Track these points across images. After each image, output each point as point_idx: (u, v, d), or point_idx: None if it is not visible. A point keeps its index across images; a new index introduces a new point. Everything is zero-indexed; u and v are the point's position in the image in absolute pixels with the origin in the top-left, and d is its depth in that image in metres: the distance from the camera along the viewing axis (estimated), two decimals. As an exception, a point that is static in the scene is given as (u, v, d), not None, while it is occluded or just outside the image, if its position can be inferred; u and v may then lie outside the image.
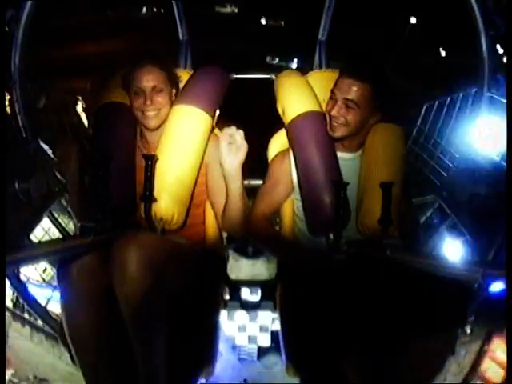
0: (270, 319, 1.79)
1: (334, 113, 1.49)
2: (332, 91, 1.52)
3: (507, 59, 1.68)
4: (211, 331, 1.49)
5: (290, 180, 1.61)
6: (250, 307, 2.00)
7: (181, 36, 2.51)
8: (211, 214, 1.65)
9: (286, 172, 1.62)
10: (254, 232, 1.66)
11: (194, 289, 1.37)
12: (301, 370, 1.36)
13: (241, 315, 1.81)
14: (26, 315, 1.78)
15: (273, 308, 1.96)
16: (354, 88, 1.46)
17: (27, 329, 1.75)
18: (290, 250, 1.58)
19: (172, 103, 1.52)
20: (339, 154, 1.56)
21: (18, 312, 1.77)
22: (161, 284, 1.18)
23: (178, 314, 1.28)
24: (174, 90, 1.54)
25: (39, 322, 1.77)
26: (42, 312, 1.90)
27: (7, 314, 1.70)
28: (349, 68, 1.51)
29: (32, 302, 1.90)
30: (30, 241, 1.90)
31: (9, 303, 1.77)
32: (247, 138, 1.38)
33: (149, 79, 1.46)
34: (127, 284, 1.14)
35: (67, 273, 1.23)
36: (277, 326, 1.70)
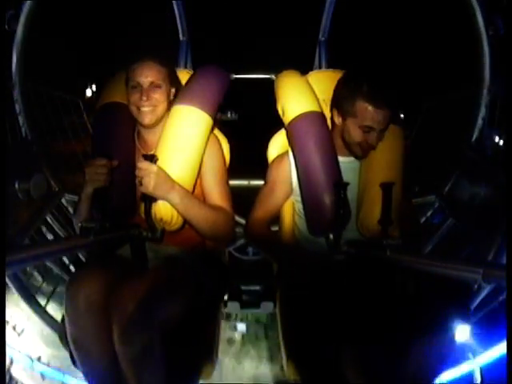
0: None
1: (375, 143, 1.47)
2: (366, 125, 1.43)
3: (507, 59, 1.68)
4: (211, 332, 1.49)
5: (289, 183, 1.61)
6: (250, 307, 2.00)
7: (181, 36, 2.52)
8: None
9: (284, 175, 1.62)
10: (252, 237, 1.66)
11: (194, 302, 1.36)
12: (301, 369, 1.36)
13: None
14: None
15: (273, 308, 1.96)
16: (384, 117, 1.42)
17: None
18: (288, 255, 1.57)
19: (170, 102, 1.51)
20: (340, 159, 1.56)
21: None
22: (159, 328, 1.19)
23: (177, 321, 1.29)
24: (173, 89, 1.52)
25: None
26: (42, 313, 1.91)
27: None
28: (379, 96, 1.41)
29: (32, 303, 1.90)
30: (30, 241, 1.90)
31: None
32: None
33: (147, 75, 1.45)
34: (124, 328, 1.15)
35: (75, 308, 1.22)
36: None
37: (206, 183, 1.54)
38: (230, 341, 2.07)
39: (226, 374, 1.93)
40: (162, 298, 1.22)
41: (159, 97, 1.47)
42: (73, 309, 1.22)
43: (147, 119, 1.48)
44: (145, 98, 1.44)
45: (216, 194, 1.53)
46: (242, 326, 2.11)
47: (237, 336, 2.11)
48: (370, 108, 1.41)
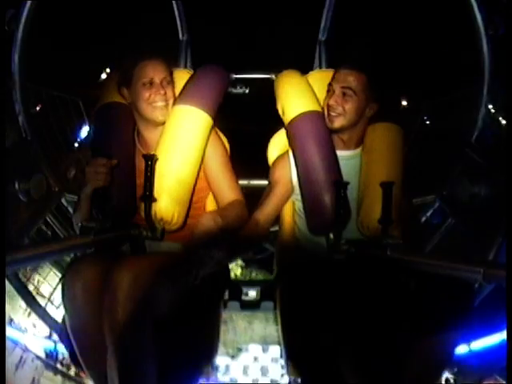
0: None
1: (331, 102, 1.51)
2: (329, 84, 1.55)
3: (507, 59, 1.68)
4: (211, 332, 1.49)
5: (290, 182, 1.62)
6: (249, 307, 2.01)
7: (181, 36, 2.51)
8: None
9: (284, 175, 1.62)
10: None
11: (192, 298, 1.34)
12: (301, 369, 1.36)
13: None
14: (59, 365, 1.92)
15: (273, 308, 1.96)
16: (351, 77, 1.50)
17: (59, 378, 1.87)
18: (290, 254, 1.58)
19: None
20: (339, 153, 1.56)
21: (50, 362, 1.91)
22: (149, 314, 1.16)
23: (176, 319, 1.28)
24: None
25: (71, 372, 1.89)
26: (42, 313, 1.91)
27: (40, 363, 1.83)
28: (346, 60, 1.55)
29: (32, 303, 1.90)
30: (30, 241, 1.90)
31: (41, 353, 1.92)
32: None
33: (158, 70, 1.46)
34: (114, 312, 1.12)
35: (72, 292, 1.21)
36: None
37: (213, 177, 1.55)
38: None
39: (239, 333, 2.12)
40: (156, 281, 1.19)
41: (171, 92, 1.49)
42: (70, 296, 1.21)
43: (161, 115, 1.47)
44: (163, 92, 1.45)
45: (226, 187, 1.55)
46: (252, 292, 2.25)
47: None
48: (340, 70, 1.54)
